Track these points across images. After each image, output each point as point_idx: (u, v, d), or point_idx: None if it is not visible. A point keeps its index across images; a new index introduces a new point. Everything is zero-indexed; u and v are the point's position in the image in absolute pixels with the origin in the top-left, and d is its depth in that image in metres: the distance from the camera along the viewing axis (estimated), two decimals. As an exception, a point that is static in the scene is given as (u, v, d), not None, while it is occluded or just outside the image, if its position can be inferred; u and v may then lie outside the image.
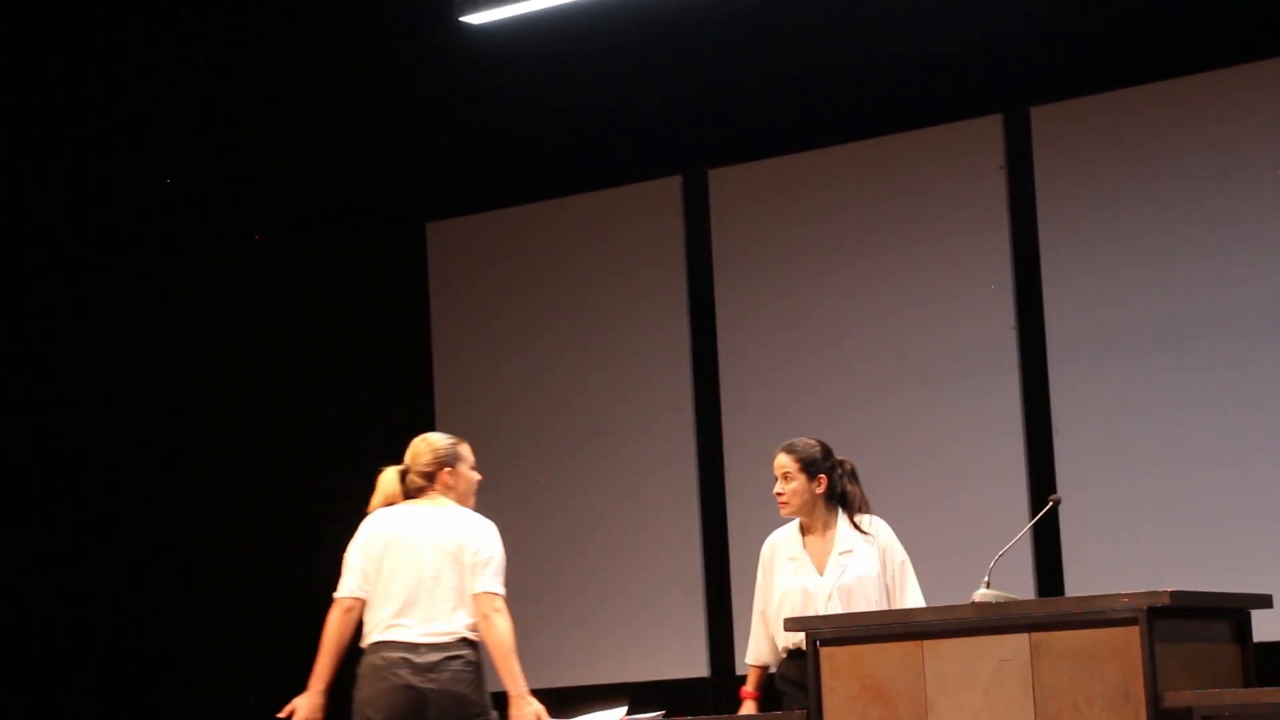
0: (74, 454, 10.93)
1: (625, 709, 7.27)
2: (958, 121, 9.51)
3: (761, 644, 7.11)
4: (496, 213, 10.67)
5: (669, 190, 10.24)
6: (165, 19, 10.36)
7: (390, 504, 7.25)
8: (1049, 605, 6.43)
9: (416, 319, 10.80)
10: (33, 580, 10.70)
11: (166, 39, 10.45)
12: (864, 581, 6.94)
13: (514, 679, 6.94)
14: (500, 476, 10.47)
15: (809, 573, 6.99)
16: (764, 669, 7.14)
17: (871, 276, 9.68)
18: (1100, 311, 9.15)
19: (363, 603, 7.11)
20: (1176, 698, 5.97)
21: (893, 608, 6.89)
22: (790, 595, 6.98)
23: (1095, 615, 6.08)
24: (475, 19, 9.31)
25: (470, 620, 7.00)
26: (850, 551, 6.99)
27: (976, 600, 6.38)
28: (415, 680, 6.96)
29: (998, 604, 6.32)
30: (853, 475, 7.10)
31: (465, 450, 7.25)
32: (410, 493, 7.21)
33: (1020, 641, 6.18)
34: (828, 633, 6.50)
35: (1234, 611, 6.40)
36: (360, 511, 10.72)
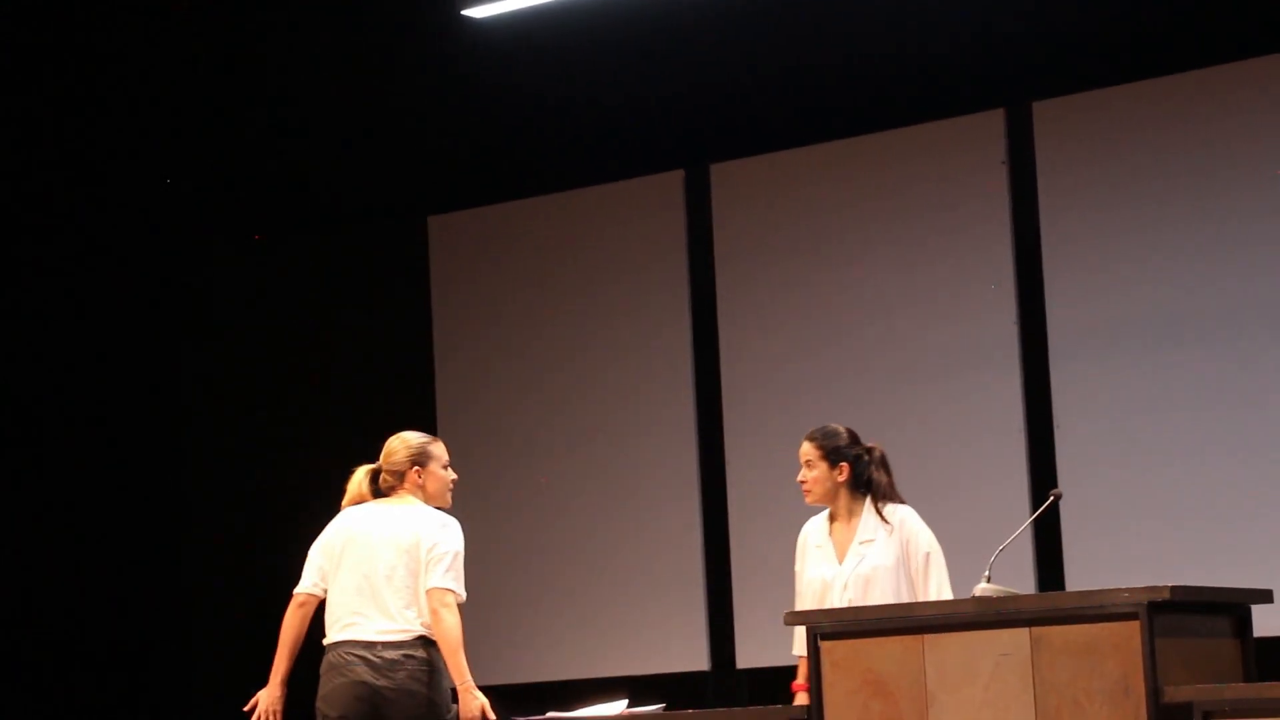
0: (74, 450, 10.93)
1: (625, 703, 7.28)
2: (960, 116, 9.51)
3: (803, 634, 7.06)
4: (498, 207, 10.67)
5: (671, 185, 10.24)
6: (167, 14, 10.36)
7: (359, 502, 7.25)
8: (1049, 600, 6.43)
9: (418, 313, 10.80)
10: (32, 575, 10.70)
11: (169, 33, 10.44)
12: (881, 571, 6.86)
13: (460, 673, 6.92)
14: (501, 470, 10.49)
15: (830, 562, 6.95)
16: None
17: (873, 271, 9.68)
18: (1102, 307, 9.15)
19: (317, 599, 7.16)
20: (1177, 693, 5.97)
21: (916, 600, 6.79)
22: (812, 584, 6.97)
23: (1096, 610, 6.08)
24: (477, 13, 9.32)
25: (425, 618, 6.99)
26: (871, 541, 6.91)
27: (977, 595, 6.38)
28: (371, 678, 6.98)
29: (998, 599, 6.32)
30: (881, 463, 7.00)
31: (437, 449, 7.22)
32: (383, 491, 7.20)
33: (1021, 636, 6.18)
34: (828, 627, 6.50)
35: (1234, 606, 6.39)
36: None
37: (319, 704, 7.08)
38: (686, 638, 9.94)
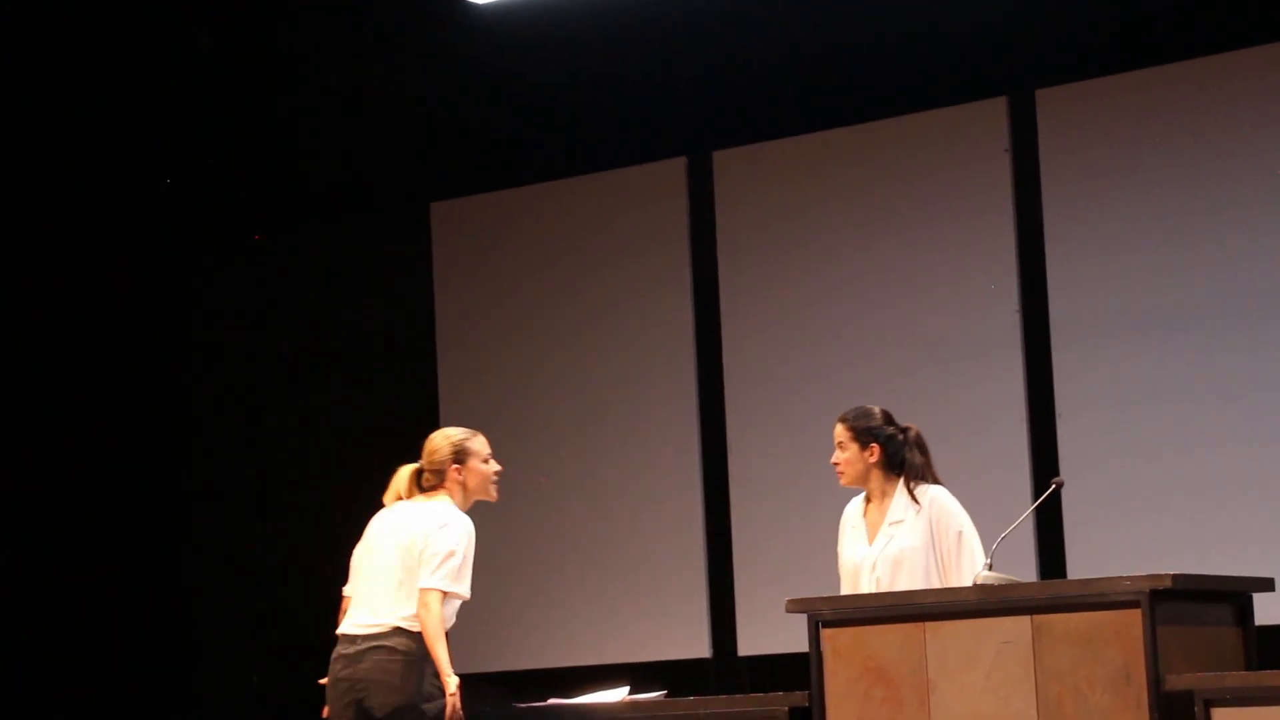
0: (78, 438, 10.93)
1: (627, 689, 7.28)
2: (963, 104, 9.51)
3: None
4: (501, 193, 10.67)
5: (673, 172, 10.24)
6: (169, 4, 10.35)
7: (398, 500, 7.28)
8: (1051, 588, 6.44)
9: (420, 299, 10.80)
10: (36, 564, 10.70)
11: (172, 22, 10.44)
12: (910, 553, 6.77)
13: (439, 664, 6.91)
14: (504, 457, 10.45)
15: (862, 543, 6.91)
16: None
17: (875, 259, 9.68)
18: (1104, 295, 9.15)
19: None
20: (1178, 681, 5.98)
21: (946, 583, 6.72)
22: (846, 565, 6.93)
23: (1097, 598, 6.08)
24: (480, -1, 9.32)
25: (413, 611, 6.99)
26: (900, 522, 6.82)
27: (979, 582, 6.38)
28: (345, 671, 7.01)
29: (1000, 586, 6.32)
30: (916, 443, 6.91)
31: (476, 444, 7.23)
32: (425, 488, 7.23)
33: (1022, 624, 6.18)
34: (829, 614, 6.50)
35: (1236, 595, 6.40)
36: (362, 494, 10.76)
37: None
38: (688, 625, 9.95)
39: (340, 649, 7.06)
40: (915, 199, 9.59)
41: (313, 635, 10.73)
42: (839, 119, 9.79)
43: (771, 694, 6.77)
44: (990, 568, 6.47)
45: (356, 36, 10.42)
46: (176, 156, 11.08)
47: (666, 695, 7.17)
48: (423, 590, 6.98)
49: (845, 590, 6.88)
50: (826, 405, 9.54)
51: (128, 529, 11.00)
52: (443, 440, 7.24)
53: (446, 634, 7.00)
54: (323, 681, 7.11)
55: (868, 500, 6.98)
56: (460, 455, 7.18)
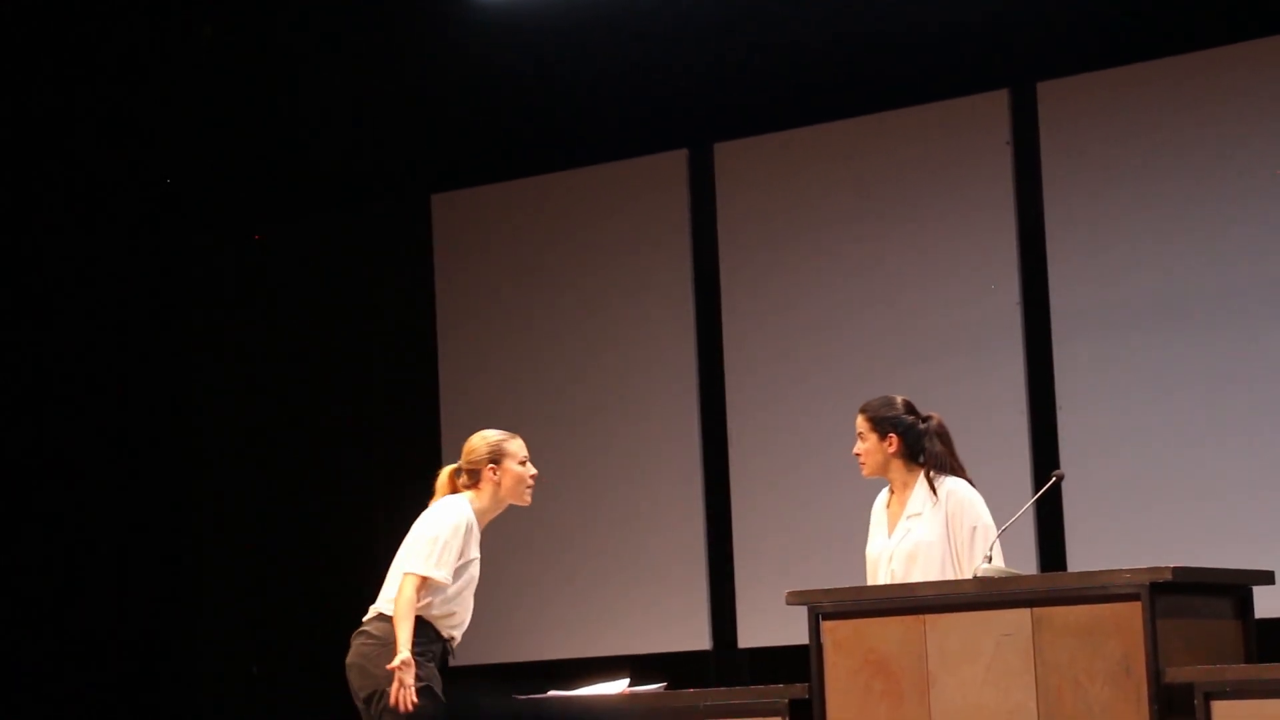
0: (78, 432, 10.92)
1: (627, 681, 7.29)
2: (964, 97, 9.50)
3: None
4: (502, 185, 10.66)
5: (675, 164, 10.24)
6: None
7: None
8: (1051, 580, 6.44)
9: (421, 290, 10.80)
10: (37, 559, 10.70)
11: (174, 13, 10.43)
12: (925, 547, 6.71)
13: (400, 644, 7.01)
14: (504, 449, 10.48)
15: (882, 535, 6.88)
16: None
17: (877, 251, 9.68)
18: (1105, 288, 9.14)
19: None
20: (1178, 673, 5.98)
21: (962, 575, 6.64)
22: (869, 557, 6.90)
23: (1097, 591, 6.08)
24: (481, -9, 9.31)
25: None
26: (918, 515, 6.76)
27: (979, 575, 6.38)
28: (347, 659, 7.19)
29: (1000, 579, 6.32)
30: (938, 433, 6.84)
31: (513, 446, 7.29)
32: (459, 488, 7.29)
33: (1022, 616, 6.18)
34: (829, 606, 6.50)
35: (1236, 587, 6.40)
36: (362, 486, 10.77)
37: None
38: (688, 617, 9.95)
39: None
40: (916, 191, 9.59)
41: (311, 627, 10.75)
42: (840, 111, 9.79)
43: (772, 686, 6.77)
44: (990, 560, 6.46)
45: (357, 28, 10.41)
46: (176, 148, 11.07)
47: (666, 687, 7.17)
48: (404, 575, 7.09)
49: (871, 582, 6.85)
50: (827, 397, 9.57)
51: (128, 522, 10.99)
52: (480, 441, 7.32)
53: (468, 623, 7.18)
54: None
55: (891, 492, 6.94)
56: (496, 456, 7.25)
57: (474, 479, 7.24)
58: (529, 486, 7.31)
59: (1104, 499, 9.05)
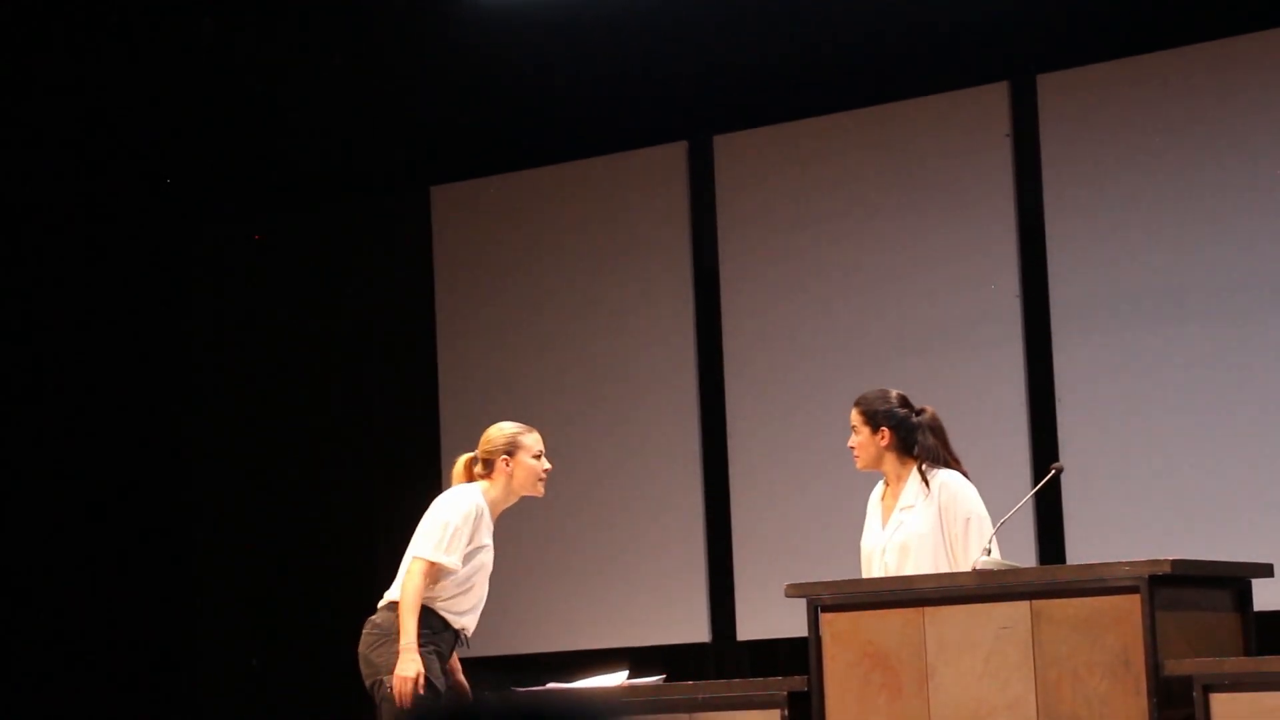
0: (78, 425, 10.91)
1: (626, 674, 7.29)
2: (964, 89, 9.50)
3: None
4: (502, 177, 10.66)
5: (674, 156, 10.23)
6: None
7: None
8: (1050, 573, 6.45)
9: (421, 282, 10.79)
10: (37, 553, 10.70)
11: (173, 7, 10.42)
12: (918, 539, 6.72)
13: (403, 631, 7.06)
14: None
15: (875, 528, 6.91)
16: None
17: (876, 243, 9.67)
18: (1105, 281, 9.14)
19: None
20: (1177, 666, 5.98)
21: (954, 570, 6.65)
22: (863, 550, 6.91)
23: (1096, 583, 6.09)
24: (481, -17, 9.30)
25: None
26: (911, 507, 6.77)
27: (978, 567, 6.39)
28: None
29: (999, 571, 6.33)
30: (931, 426, 6.84)
31: (529, 440, 7.35)
32: (474, 478, 7.31)
33: (1021, 609, 6.18)
34: (828, 599, 6.51)
35: (1235, 580, 6.41)
36: (361, 479, 10.77)
37: None
38: (687, 609, 9.95)
39: None
40: (916, 184, 9.59)
41: (312, 620, 10.74)
42: (840, 103, 9.78)
43: (770, 678, 6.78)
44: (990, 553, 6.47)
45: (357, 20, 10.40)
46: (174, 141, 11.06)
47: (665, 679, 7.17)
48: (409, 559, 7.15)
49: (864, 575, 6.86)
50: (826, 389, 9.56)
51: (128, 514, 10.99)
52: (497, 432, 7.37)
53: (479, 611, 7.22)
54: None
55: (886, 484, 6.95)
56: (511, 448, 7.32)
57: (489, 469, 7.29)
58: (541, 479, 7.35)
59: (1103, 492, 9.05)
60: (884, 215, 9.66)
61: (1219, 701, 5.90)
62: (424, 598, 7.07)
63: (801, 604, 6.63)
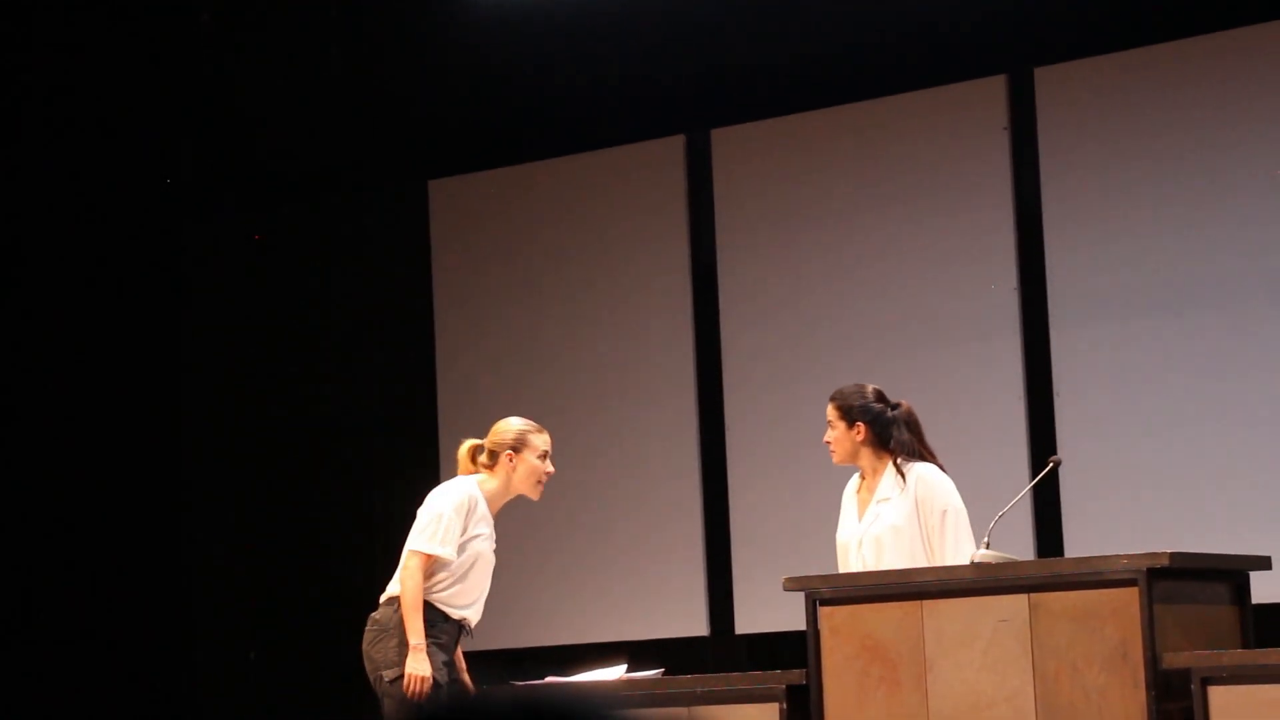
0: (75, 420, 10.91)
1: (624, 667, 7.29)
2: (962, 82, 9.49)
3: None
4: (499, 171, 10.65)
5: (672, 150, 10.23)
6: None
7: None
8: (1048, 566, 6.45)
9: (418, 276, 10.79)
10: (35, 547, 10.69)
11: (172, 2, 10.42)
12: (893, 532, 6.75)
13: (410, 631, 7.07)
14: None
15: (852, 521, 6.92)
16: None
17: (874, 237, 9.67)
18: (1103, 273, 9.14)
19: None
20: (1175, 659, 5.98)
21: (931, 562, 6.69)
22: (838, 543, 6.94)
23: (1094, 576, 6.09)
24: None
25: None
26: (887, 500, 6.80)
27: (976, 560, 6.39)
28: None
29: (997, 564, 6.33)
30: (906, 420, 6.88)
31: (537, 439, 7.34)
32: (477, 468, 7.33)
33: (1019, 602, 6.19)
34: (826, 592, 6.51)
35: (1233, 573, 6.41)
36: (359, 472, 10.77)
37: None
38: (686, 603, 9.95)
39: None
40: (914, 177, 9.58)
41: (310, 613, 10.74)
42: (837, 97, 9.78)
43: (769, 672, 6.78)
44: (988, 546, 6.47)
45: (355, 14, 10.39)
46: (171, 135, 11.06)
47: (664, 673, 7.17)
48: (406, 553, 7.16)
49: (840, 568, 6.89)
50: (824, 383, 9.53)
51: (126, 509, 10.98)
52: (507, 426, 7.38)
53: (485, 603, 7.23)
54: None
55: (862, 478, 6.98)
56: (518, 444, 7.32)
57: (492, 460, 7.30)
58: (540, 482, 7.34)
59: (1101, 484, 9.05)
60: (881, 209, 9.66)
61: (1217, 694, 5.91)
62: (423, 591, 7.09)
63: (800, 597, 6.63)
